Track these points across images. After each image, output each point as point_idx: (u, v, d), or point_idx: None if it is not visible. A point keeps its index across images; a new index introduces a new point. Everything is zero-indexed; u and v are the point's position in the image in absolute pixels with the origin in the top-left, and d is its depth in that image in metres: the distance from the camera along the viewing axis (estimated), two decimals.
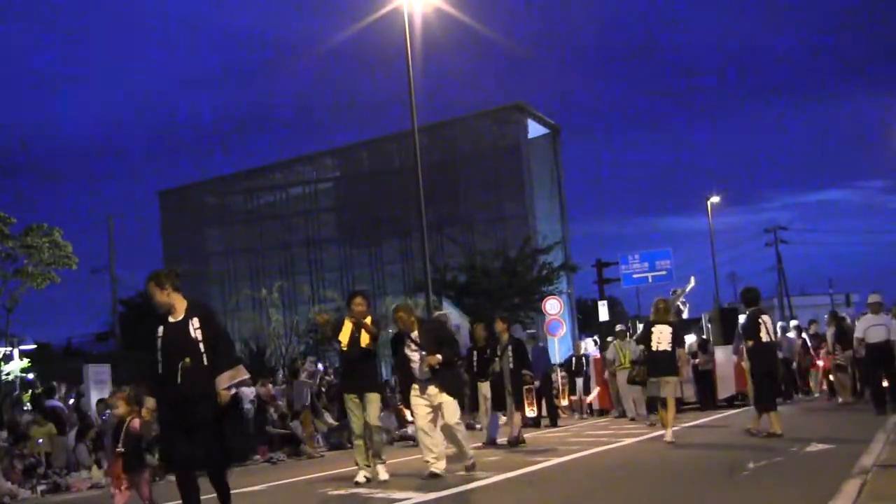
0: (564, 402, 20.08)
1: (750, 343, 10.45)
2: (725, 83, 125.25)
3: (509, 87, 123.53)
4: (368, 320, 8.78)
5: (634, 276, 34.46)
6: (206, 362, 5.90)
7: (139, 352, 7.66)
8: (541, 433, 15.04)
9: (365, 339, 8.67)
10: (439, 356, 8.33)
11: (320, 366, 20.29)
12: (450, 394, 8.45)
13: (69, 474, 12.17)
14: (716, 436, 11.68)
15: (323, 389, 16.51)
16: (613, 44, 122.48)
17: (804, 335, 19.54)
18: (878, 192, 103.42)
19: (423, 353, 8.43)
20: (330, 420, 15.28)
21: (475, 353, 12.50)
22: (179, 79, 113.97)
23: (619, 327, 17.47)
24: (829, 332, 16.41)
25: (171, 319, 6.01)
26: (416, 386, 8.53)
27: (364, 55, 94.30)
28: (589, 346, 20.29)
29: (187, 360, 5.83)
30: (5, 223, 20.96)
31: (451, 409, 8.48)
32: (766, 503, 6.06)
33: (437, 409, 8.51)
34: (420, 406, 8.52)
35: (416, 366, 8.50)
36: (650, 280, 30.15)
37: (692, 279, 23.43)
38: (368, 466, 8.55)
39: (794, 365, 18.73)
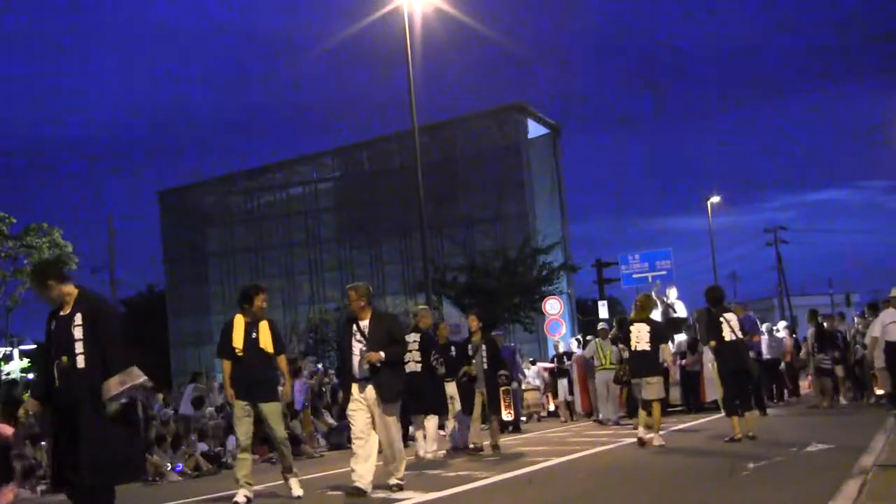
0: (552, 407, 19.93)
1: (713, 343, 10.19)
2: (725, 83, 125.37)
3: (509, 87, 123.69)
4: (265, 325, 7.76)
5: (634, 276, 34.45)
6: (83, 364, 5.17)
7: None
8: (534, 435, 15.04)
9: (266, 340, 7.70)
10: (382, 354, 7.41)
11: (320, 366, 20.32)
12: (386, 401, 7.45)
13: None
14: (712, 437, 11.59)
15: (323, 389, 16.52)
16: (613, 44, 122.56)
17: (795, 335, 19.26)
18: (878, 192, 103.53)
19: (365, 347, 7.51)
20: (330, 420, 15.30)
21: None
22: (180, 79, 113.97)
23: (600, 325, 16.65)
24: (809, 332, 15.81)
25: (61, 313, 5.40)
26: (355, 385, 7.56)
27: (364, 55, 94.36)
28: (572, 345, 20.01)
29: (64, 358, 5.20)
30: (5, 223, 20.97)
31: (390, 415, 7.50)
32: (766, 503, 6.06)
33: (375, 416, 7.51)
34: (359, 409, 7.53)
35: (357, 359, 7.55)
36: (650, 280, 30.06)
37: (675, 289, 22.85)
38: (250, 485, 7.62)
39: (783, 366, 18.19)
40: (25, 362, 31.05)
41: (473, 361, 11.30)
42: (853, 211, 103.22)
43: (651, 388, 10.22)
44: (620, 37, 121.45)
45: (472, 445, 11.43)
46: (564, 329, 23.84)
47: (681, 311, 21.38)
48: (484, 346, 11.41)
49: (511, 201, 44.77)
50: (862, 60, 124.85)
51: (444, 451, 11.44)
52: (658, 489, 7.03)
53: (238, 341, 7.66)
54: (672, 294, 20.99)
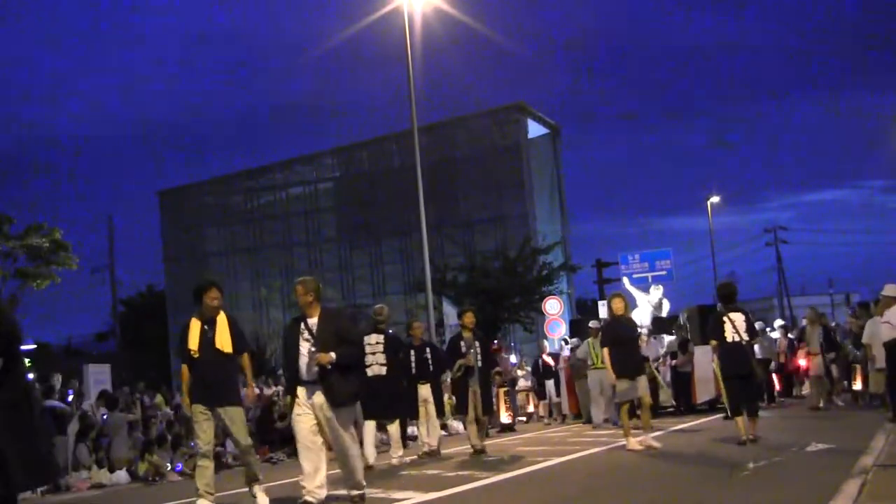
0: (531, 408, 19.70)
1: (714, 343, 9.88)
2: (725, 83, 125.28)
3: (509, 87, 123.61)
4: (223, 324, 7.34)
5: (634, 276, 34.47)
6: None
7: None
8: (533, 435, 15.03)
9: (223, 339, 7.29)
10: (332, 355, 6.72)
11: None
12: (337, 405, 6.79)
13: (69, 474, 12.18)
14: (711, 438, 11.52)
15: None
16: (613, 44, 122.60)
17: (790, 335, 18.71)
18: (878, 192, 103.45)
19: (314, 348, 6.84)
20: None
21: (412, 352, 11.43)
22: (180, 79, 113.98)
23: (592, 324, 15.97)
24: (815, 332, 15.31)
25: None
26: (301, 389, 6.92)
27: (364, 55, 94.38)
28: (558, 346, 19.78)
29: None
30: (5, 223, 20.95)
31: (337, 424, 6.80)
32: (766, 503, 6.06)
33: (323, 422, 6.85)
34: (303, 415, 6.89)
35: (305, 361, 6.89)
36: (650, 280, 30.05)
37: (660, 288, 22.46)
38: (211, 494, 7.22)
39: (773, 366, 17.57)
40: (25, 362, 31.08)
41: (466, 358, 10.93)
42: (853, 211, 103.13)
43: (619, 392, 10.08)
44: (620, 36, 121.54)
45: (472, 447, 11.14)
46: (564, 329, 23.82)
47: (665, 310, 21.18)
48: (477, 343, 11.05)
49: (511, 201, 44.77)
50: (862, 60, 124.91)
51: (406, 459, 10.79)
52: (657, 489, 7.03)
53: (193, 342, 7.29)
54: (655, 294, 20.82)
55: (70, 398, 15.33)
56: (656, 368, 16.43)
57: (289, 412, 7.60)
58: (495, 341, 16.73)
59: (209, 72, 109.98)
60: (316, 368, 6.77)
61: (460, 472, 8.77)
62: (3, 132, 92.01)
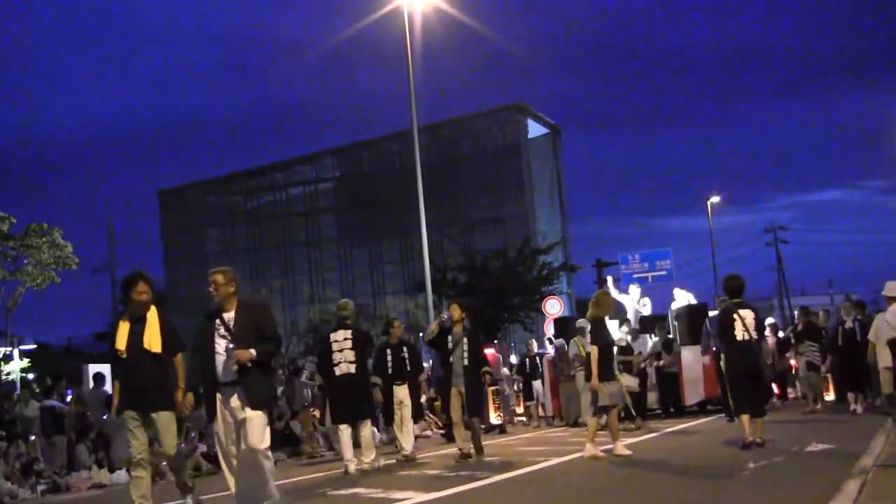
0: (520, 409, 19.50)
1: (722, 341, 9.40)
2: (725, 83, 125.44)
3: (509, 87, 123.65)
4: (153, 321, 6.81)
5: (634, 276, 34.50)
6: None
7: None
8: (533, 435, 15.02)
9: (152, 338, 6.74)
10: (253, 351, 6.19)
11: None
12: (254, 407, 6.20)
13: (69, 474, 12.18)
14: (710, 439, 11.47)
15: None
16: (613, 44, 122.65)
17: (779, 334, 18.66)
18: (878, 192, 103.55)
19: (232, 344, 6.29)
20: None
21: (388, 351, 10.93)
22: (179, 78, 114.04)
23: (580, 322, 15.00)
24: (798, 328, 14.90)
25: None
26: (219, 394, 6.34)
27: (364, 55, 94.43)
28: (546, 345, 19.33)
29: None
30: (5, 223, 20.93)
31: (257, 428, 6.18)
32: (767, 503, 6.06)
33: (241, 428, 6.24)
34: (228, 423, 6.32)
35: (222, 360, 6.32)
36: (650, 280, 30.01)
37: (638, 287, 22.18)
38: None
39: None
40: (25, 362, 31.07)
41: (452, 357, 10.18)
42: (853, 211, 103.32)
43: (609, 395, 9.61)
44: (620, 37, 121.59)
45: (459, 450, 10.41)
46: None
47: (647, 309, 20.95)
48: (466, 340, 10.19)
49: (511, 201, 44.82)
50: (861, 60, 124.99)
51: (380, 462, 10.27)
52: (658, 489, 7.03)
53: (120, 342, 6.72)
54: (635, 292, 20.57)
55: (69, 396, 15.35)
56: (643, 369, 15.92)
57: (209, 415, 6.55)
58: (495, 341, 16.60)
59: (209, 72, 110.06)
60: (235, 367, 6.22)
61: (460, 472, 8.76)
62: (4, 132, 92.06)
